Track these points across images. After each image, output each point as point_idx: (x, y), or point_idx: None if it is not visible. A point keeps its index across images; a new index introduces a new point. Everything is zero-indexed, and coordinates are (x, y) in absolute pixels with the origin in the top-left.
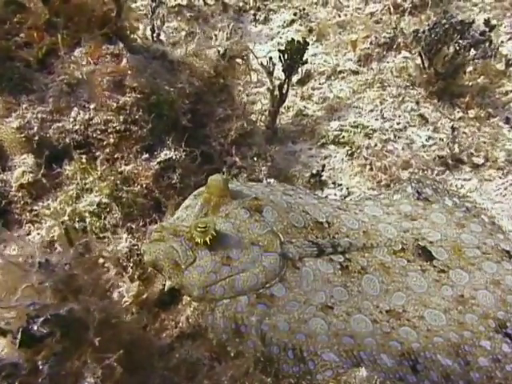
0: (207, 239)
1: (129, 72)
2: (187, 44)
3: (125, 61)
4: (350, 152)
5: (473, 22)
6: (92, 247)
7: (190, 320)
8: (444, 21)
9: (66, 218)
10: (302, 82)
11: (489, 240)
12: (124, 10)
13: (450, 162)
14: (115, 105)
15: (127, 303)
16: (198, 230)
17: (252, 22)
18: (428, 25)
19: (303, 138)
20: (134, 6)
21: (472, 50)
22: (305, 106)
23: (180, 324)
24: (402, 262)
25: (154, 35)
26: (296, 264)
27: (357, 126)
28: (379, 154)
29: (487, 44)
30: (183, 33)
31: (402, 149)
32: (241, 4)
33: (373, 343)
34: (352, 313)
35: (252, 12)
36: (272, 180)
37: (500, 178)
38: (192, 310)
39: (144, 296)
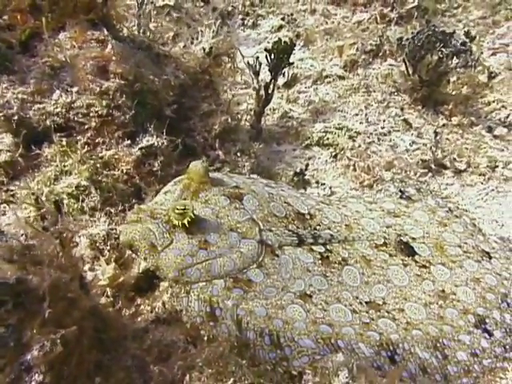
0: (185, 221)
1: (113, 58)
2: (174, 44)
3: (110, 47)
4: (333, 154)
5: (454, 32)
6: (64, 223)
7: (167, 306)
8: (427, 29)
9: (43, 198)
10: (288, 86)
11: (470, 240)
12: None
13: (432, 166)
14: (98, 89)
15: (102, 286)
16: (176, 212)
17: (240, 27)
18: (412, 33)
19: (288, 140)
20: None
21: (454, 58)
22: (290, 109)
23: (156, 309)
24: (383, 255)
25: (141, 31)
26: (275, 251)
27: (341, 128)
28: (363, 155)
29: (468, 54)
30: (171, 33)
31: (386, 150)
32: (230, 9)
33: (351, 332)
34: (331, 302)
35: (240, 17)
36: (255, 175)
37: (481, 183)
38: (169, 297)
39: (120, 280)
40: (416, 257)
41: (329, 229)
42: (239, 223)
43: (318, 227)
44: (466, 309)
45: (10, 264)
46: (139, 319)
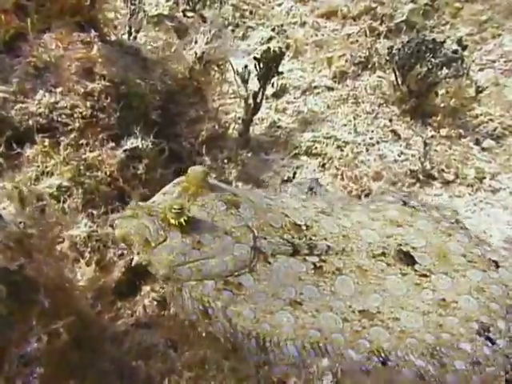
0: (181, 221)
1: (99, 60)
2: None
3: (96, 48)
4: (322, 163)
5: (444, 41)
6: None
7: (148, 310)
8: (417, 38)
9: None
10: (277, 96)
11: (475, 250)
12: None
13: (421, 177)
14: (83, 90)
15: (81, 288)
16: (173, 211)
17: (230, 38)
18: (402, 42)
19: (276, 149)
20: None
21: (444, 68)
22: (279, 119)
23: (137, 313)
24: (381, 265)
25: (131, 38)
26: (268, 258)
27: (329, 138)
28: (350, 164)
29: (459, 62)
30: (160, 42)
31: (374, 160)
32: (220, 20)
33: (340, 338)
34: (322, 310)
35: (230, 28)
36: (240, 184)
37: (469, 194)
38: (150, 301)
39: (100, 282)
40: (416, 266)
41: (325, 239)
42: (234, 228)
43: (313, 237)
44: (468, 316)
45: (9, 251)
46: (119, 322)
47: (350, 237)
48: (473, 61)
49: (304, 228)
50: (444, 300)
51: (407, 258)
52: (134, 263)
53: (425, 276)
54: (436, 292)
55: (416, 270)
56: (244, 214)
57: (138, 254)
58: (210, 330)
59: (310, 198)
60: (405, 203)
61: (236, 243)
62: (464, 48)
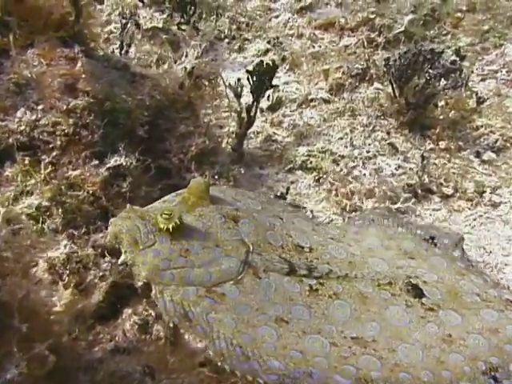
0: (170, 226)
1: (83, 76)
2: (158, 67)
3: (79, 64)
4: (317, 178)
5: (443, 51)
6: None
7: (128, 334)
8: (414, 49)
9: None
10: (272, 109)
11: (491, 290)
12: (83, 15)
13: (419, 191)
14: (65, 107)
15: (58, 313)
16: (163, 216)
17: (226, 51)
18: (399, 53)
19: (271, 163)
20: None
21: (442, 80)
22: (274, 132)
23: (116, 338)
24: (385, 294)
25: (123, 52)
26: (258, 273)
27: (325, 152)
28: (344, 180)
29: (458, 73)
30: (155, 56)
31: (370, 174)
32: (216, 32)
33: (324, 363)
34: (309, 332)
35: (227, 41)
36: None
37: (469, 209)
38: (131, 324)
39: (79, 306)
40: (424, 299)
41: (328, 263)
42: (226, 241)
43: (315, 260)
44: (475, 355)
45: None
46: (96, 349)
47: (357, 263)
48: (472, 71)
49: (307, 250)
50: (450, 336)
51: (415, 291)
52: (120, 261)
53: (432, 310)
54: (442, 327)
55: (423, 304)
56: (242, 228)
57: (125, 252)
58: (192, 332)
59: (323, 225)
60: (432, 239)
61: (225, 256)
62: (462, 58)
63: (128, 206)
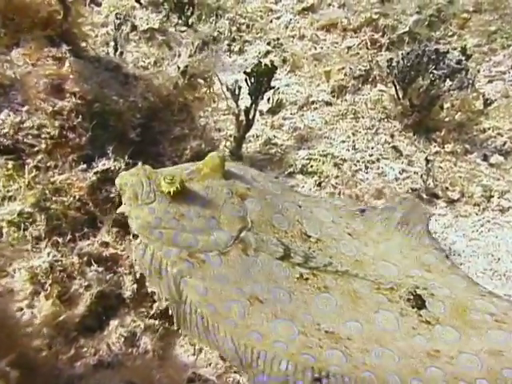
0: (171, 190)
1: (70, 76)
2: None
3: (67, 64)
4: (318, 182)
5: (447, 51)
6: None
7: (113, 348)
8: (417, 49)
9: None
10: (272, 112)
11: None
12: (72, 13)
13: (423, 196)
14: (51, 108)
15: (37, 324)
16: (166, 180)
17: (226, 53)
18: (402, 54)
19: (270, 167)
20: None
21: (448, 80)
22: (274, 135)
23: (100, 352)
24: (381, 298)
25: (117, 54)
26: (247, 251)
27: (326, 155)
28: (349, 182)
29: (463, 73)
30: (152, 58)
31: (373, 178)
32: (215, 34)
33: (281, 348)
34: (280, 316)
35: (227, 42)
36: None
37: (476, 214)
38: (117, 337)
39: (61, 318)
40: (423, 311)
41: (330, 257)
42: (225, 215)
43: (318, 251)
44: (460, 374)
45: None
46: (78, 363)
47: (364, 263)
48: (478, 71)
49: (313, 240)
50: (438, 351)
51: (416, 300)
52: (118, 210)
53: (427, 323)
54: (432, 341)
55: (420, 315)
56: (247, 206)
57: (125, 204)
58: (157, 288)
59: (350, 216)
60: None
61: (218, 229)
62: (468, 58)
63: (140, 163)
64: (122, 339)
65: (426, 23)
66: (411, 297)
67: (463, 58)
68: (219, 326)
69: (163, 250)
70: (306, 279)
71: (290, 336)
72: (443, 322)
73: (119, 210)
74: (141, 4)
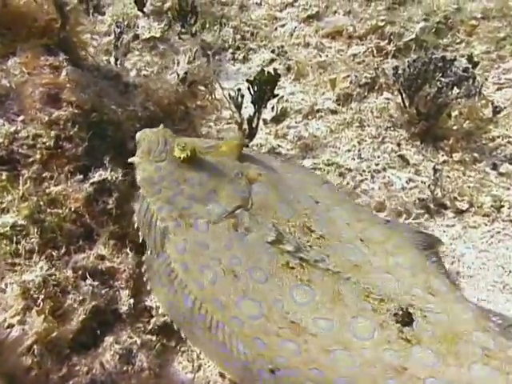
0: (181, 156)
1: (67, 85)
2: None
3: (64, 73)
4: None
5: (455, 59)
6: None
7: (106, 366)
8: (424, 56)
9: None
10: (277, 121)
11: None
12: (71, 22)
13: (431, 206)
14: (47, 118)
15: (28, 342)
16: (178, 146)
17: (230, 61)
18: (408, 61)
19: None
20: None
21: (455, 88)
22: (278, 144)
23: (93, 371)
24: (365, 305)
25: (118, 63)
26: (238, 227)
27: (331, 165)
28: (352, 194)
29: (471, 81)
30: (156, 67)
31: (379, 188)
32: (220, 42)
33: (236, 324)
34: (249, 294)
35: (231, 51)
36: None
37: (486, 224)
38: (112, 354)
39: (54, 334)
40: (406, 328)
41: (327, 256)
42: (226, 191)
43: (315, 247)
44: None
45: None
46: (70, 383)
47: (361, 270)
48: (486, 79)
49: (315, 236)
50: (405, 369)
51: (403, 317)
52: (129, 160)
53: (406, 341)
54: (402, 359)
55: (401, 332)
56: (253, 189)
57: (137, 156)
58: (146, 239)
59: (372, 223)
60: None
61: (215, 202)
62: (475, 65)
63: (161, 125)
64: (117, 357)
65: (434, 30)
66: (400, 312)
67: (470, 66)
68: (187, 284)
69: (157, 205)
70: (292, 268)
71: (250, 316)
72: (425, 343)
73: (130, 160)
74: (144, 13)
